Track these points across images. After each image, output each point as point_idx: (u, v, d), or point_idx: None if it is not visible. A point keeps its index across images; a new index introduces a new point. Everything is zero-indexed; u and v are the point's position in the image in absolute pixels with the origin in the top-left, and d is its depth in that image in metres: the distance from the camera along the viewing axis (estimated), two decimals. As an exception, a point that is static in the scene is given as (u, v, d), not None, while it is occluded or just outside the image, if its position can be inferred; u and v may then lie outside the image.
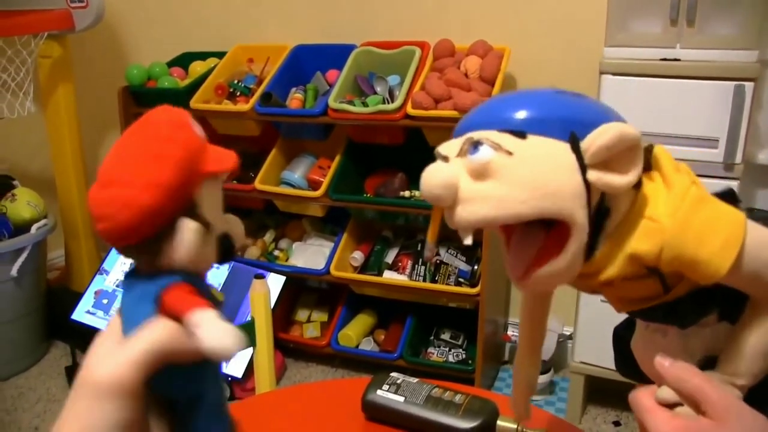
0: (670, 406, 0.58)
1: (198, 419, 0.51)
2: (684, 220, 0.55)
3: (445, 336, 2.46)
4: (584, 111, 0.57)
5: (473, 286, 2.25)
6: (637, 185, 0.56)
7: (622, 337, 0.78)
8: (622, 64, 1.83)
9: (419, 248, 2.40)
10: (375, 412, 0.97)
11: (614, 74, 1.83)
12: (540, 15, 2.28)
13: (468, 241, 0.56)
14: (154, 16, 2.88)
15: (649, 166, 0.58)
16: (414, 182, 2.39)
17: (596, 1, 2.02)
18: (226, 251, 0.52)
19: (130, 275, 0.51)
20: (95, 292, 2.44)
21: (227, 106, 2.44)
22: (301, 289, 2.72)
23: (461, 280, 2.31)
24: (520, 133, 0.54)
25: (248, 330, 1.76)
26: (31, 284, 2.52)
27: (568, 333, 2.36)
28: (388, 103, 2.20)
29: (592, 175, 0.54)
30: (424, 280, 2.33)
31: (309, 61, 2.52)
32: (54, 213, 2.71)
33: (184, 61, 2.75)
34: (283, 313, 2.61)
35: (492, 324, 2.36)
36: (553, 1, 2.25)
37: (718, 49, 1.74)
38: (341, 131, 2.44)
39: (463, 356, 2.40)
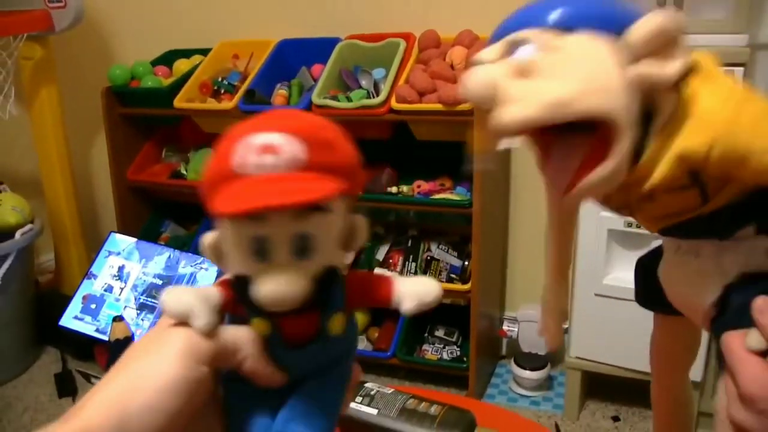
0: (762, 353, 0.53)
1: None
2: (735, 111, 0.53)
3: (440, 333, 2.42)
4: (623, 7, 0.55)
5: (465, 281, 2.21)
6: (682, 87, 0.54)
7: (647, 266, 0.77)
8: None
9: (409, 244, 2.35)
10: (347, 425, 0.93)
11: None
12: (526, 2, 2.22)
13: (514, 144, 0.55)
14: (137, 14, 2.84)
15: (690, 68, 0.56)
16: (402, 177, 2.34)
17: (583, -14, 1.97)
18: None
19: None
20: (83, 297, 2.41)
21: (211, 104, 2.39)
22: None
23: (453, 276, 2.27)
24: (565, 29, 0.53)
25: None
26: (17, 290, 2.48)
27: (564, 328, 2.32)
28: (373, 97, 2.15)
29: (639, 67, 0.51)
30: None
31: (294, 56, 2.47)
32: (43, 216, 2.67)
33: (168, 59, 2.71)
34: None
35: (487, 319, 2.32)
36: (539, -12, 2.20)
37: (707, 33, 1.70)
38: (328, 127, 2.40)
39: (458, 353, 2.35)
